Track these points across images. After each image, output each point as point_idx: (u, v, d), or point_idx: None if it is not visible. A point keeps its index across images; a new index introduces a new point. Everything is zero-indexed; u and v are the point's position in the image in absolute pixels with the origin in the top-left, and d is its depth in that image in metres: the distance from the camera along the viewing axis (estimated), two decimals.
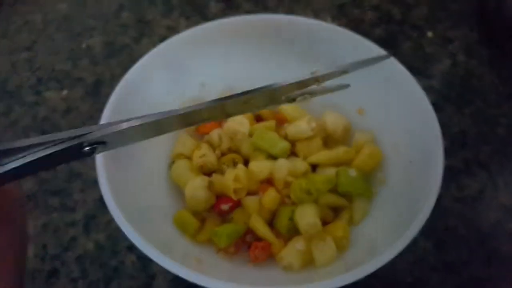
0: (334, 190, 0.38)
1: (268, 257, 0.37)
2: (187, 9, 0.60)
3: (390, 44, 0.56)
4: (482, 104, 0.51)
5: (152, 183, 0.39)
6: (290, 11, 0.59)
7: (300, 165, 0.39)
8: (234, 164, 0.40)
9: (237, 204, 0.38)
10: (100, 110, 0.36)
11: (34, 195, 0.45)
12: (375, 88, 0.40)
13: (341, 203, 0.38)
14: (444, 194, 0.44)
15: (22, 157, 0.21)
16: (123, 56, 0.55)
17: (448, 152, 0.47)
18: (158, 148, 0.41)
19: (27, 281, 0.40)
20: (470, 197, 0.45)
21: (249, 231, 0.38)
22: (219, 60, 0.43)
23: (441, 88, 0.52)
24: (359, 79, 0.41)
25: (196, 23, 0.42)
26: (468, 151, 0.48)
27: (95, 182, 0.34)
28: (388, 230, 0.33)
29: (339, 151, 0.39)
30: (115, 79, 0.51)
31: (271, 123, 0.42)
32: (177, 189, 0.40)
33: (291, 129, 0.40)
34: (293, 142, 0.40)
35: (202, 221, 0.38)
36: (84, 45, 0.56)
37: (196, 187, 0.37)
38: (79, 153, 0.23)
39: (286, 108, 0.42)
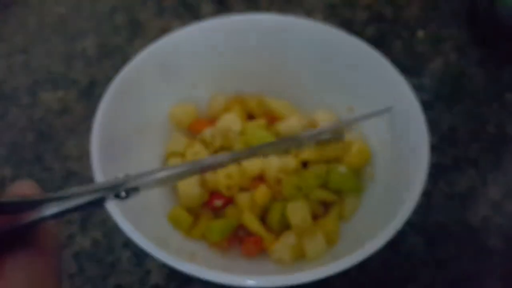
0: (324, 186, 0.39)
1: (260, 251, 0.38)
2: (180, 10, 0.60)
3: (382, 44, 0.56)
4: (472, 103, 0.52)
5: None
6: (282, 11, 0.59)
7: (291, 162, 0.39)
8: None
9: (230, 201, 0.39)
10: (95, 111, 0.37)
11: None
12: (364, 87, 0.41)
13: (331, 198, 0.39)
14: (434, 190, 0.45)
15: (66, 202, 0.23)
16: (116, 58, 0.55)
17: (438, 149, 0.48)
18: (153, 146, 0.41)
19: None
20: (459, 193, 0.45)
21: (242, 226, 0.38)
22: (211, 61, 0.44)
23: (431, 87, 0.53)
24: (349, 78, 0.42)
25: (189, 24, 0.42)
26: (457, 149, 0.48)
27: (91, 181, 0.35)
28: (376, 224, 0.33)
29: (328, 148, 0.40)
30: (109, 80, 0.52)
31: (263, 121, 0.43)
32: (171, 187, 0.41)
33: (283, 127, 0.41)
34: None
35: (196, 217, 0.39)
36: (78, 47, 0.57)
37: (190, 184, 0.38)
38: (115, 198, 0.26)
39: (277, 106, 0.43)
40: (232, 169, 0.38)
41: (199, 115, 0.44)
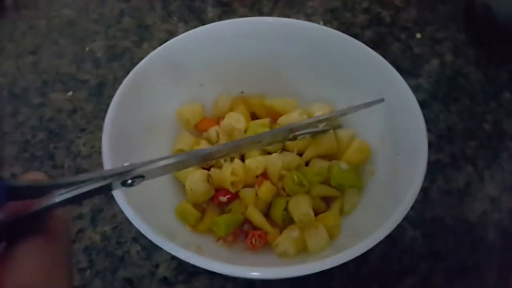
0: (325, 182, 0.40)
1: (264, 245, 0.39)
2: (186, 14, 0.62)
3: (380, 46, 0.58)
4: (468, 102, 0.53)
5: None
6: (284, 15, 0.61)
7: (293, 159, 0.41)
8: (231, 159, 0.41)
9: (235, 196, 0.40)
10: (104, 110, 0.38)
11: None
12: (363, 86, 0.42)
13: (332, 194, 0.40)
14: (432, 186, 0.46)
15: (76, 189, 0.24)
16: (124, 59, 0.57)
17: (436, 147, 0.49)
18: (161, 144, 0.42)
19: None
20: (456, 190, 0.46)
21: (246, 221, 0.40)
22: (217, 62, 0.44)
23: (429, 87, 0.54)
24: (348, 78, 0.43)
25: (194, 27, 0.43)
26: (455, 146, 0.49)
27: None
28: (376, 218, 0.34)
29: (323, 143, 0.42)
30: (117, 81, 0.53)
31: (266, 120, 0.44)
32: (179, 183, 0.42)
33: (284, 120, 0.42)
34: None
35: (202, 212, 0.40)
36: (87, 49, 0.58)
37: (196, 181, 0.39)
38: (121, 185, 0.26)
39: (279, 105, 0.44)
40: (237, 166, 0.39)
41: (205, 114, 0.45)
